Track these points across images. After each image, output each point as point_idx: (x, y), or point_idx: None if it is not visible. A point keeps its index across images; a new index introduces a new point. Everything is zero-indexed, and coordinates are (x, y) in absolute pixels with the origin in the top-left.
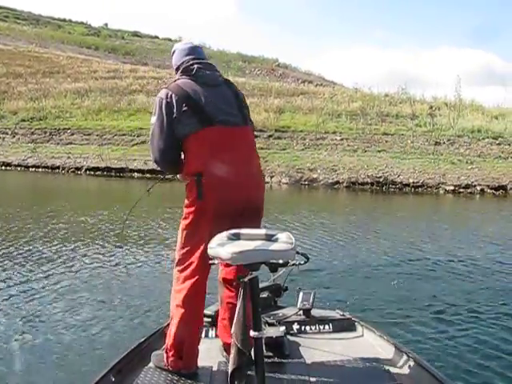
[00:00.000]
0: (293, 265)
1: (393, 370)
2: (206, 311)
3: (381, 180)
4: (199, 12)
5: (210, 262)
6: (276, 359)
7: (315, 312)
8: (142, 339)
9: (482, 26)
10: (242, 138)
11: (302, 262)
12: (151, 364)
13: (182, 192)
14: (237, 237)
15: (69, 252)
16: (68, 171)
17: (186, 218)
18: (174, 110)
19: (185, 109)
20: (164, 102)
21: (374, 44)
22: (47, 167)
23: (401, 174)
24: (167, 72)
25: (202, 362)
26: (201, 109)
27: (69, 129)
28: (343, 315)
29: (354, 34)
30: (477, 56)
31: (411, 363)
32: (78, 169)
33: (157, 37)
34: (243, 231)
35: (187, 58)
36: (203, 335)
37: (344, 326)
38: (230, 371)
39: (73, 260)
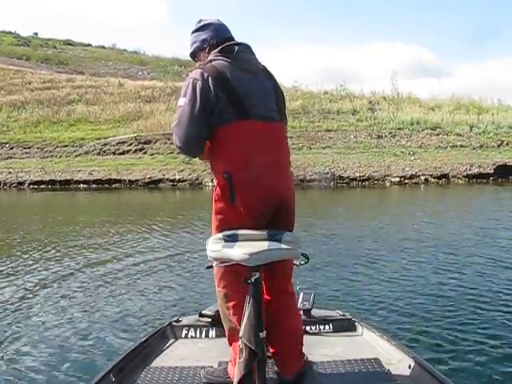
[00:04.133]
0: (293, 265)
1: (393, 369)
2: (206, 311)
3: (328, 176)
4: (130, 16)
5: (207, 265)
6: None
7: (315, 312)
8: (143, 339)
9: (412, 20)
10: (275, 136)
11: (303, 262)
12: (154, 364)
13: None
14: (235, 238)
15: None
16: (10, 187)
17: (216, 222)
18: (211, 95)
19: (221, 95)
20: (199, 83)
21: (307, 42)
22: None
23: (347, 168)
24: (104, 80)
25: (202, 362)
26: (238, 98)
27: (7, 143)
28: (343, 315)
29: (286, 34)
30: (409, 50)
31: (411, 363)
32: (20, 183)
33: (90, 45)
34: (241, 232)
35: (225, 35)
36: (203, 335)
37: (344, 326)
38: (239, 377)
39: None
